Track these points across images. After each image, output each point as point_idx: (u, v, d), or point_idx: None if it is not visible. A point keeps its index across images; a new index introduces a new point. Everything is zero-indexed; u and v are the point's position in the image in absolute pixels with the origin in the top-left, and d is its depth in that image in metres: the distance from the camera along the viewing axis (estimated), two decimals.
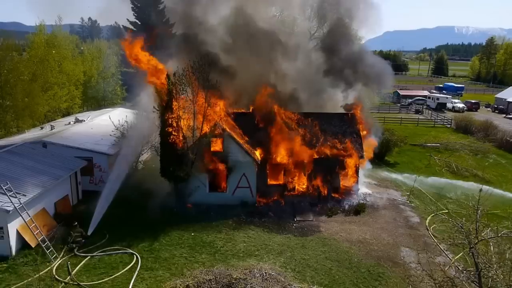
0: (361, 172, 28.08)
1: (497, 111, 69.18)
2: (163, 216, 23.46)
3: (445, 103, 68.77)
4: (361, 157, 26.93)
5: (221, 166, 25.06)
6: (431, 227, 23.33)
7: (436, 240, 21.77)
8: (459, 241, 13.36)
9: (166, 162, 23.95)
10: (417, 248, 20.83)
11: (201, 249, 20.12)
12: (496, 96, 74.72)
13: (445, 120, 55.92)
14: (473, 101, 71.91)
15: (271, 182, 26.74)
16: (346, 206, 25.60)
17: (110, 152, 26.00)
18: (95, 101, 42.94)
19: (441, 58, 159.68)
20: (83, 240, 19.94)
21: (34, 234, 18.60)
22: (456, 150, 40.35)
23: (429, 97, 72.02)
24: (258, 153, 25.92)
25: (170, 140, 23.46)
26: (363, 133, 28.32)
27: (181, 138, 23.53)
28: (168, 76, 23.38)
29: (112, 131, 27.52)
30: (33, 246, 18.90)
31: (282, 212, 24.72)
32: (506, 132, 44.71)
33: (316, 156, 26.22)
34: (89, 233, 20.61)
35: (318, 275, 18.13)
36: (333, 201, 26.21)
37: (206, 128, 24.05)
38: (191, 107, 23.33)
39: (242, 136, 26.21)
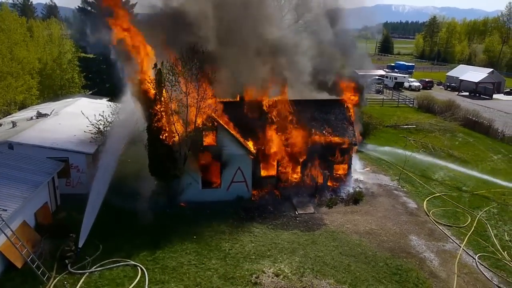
0: (353, 159, 27.71)
1: (449, 89, 72.39)
2: (156, 219, 21.62)
3: (403, 82, 70.80)
4: (354, 144, 26.51)
5: (215, 161, 23.53)
6: (431, 212, 23.53)
7: (441, 227, 21.94)
8: None
9: (157, 160, 21.97)
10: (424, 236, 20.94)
11: (209, 254, 18.69)
12: (447, 74, 78.06)
13: (407, 100, 57.40)
14: (427, 79, 74.73)
15: (264, 174, 25.67)
16: (343, 195, 25.20)
17: (90, 151, 23.40)
18: (52, 90, 38.79)
19: (387, 37, 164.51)
20: (75, 254, 17.70)
21: (21, 253, 16.15)
22: (427, 130, 41.46)
23: (386, 77, 73.70)
24: (251, 145, 24.58)
25: (161, 136, 21.51)
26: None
27: (174, 133, 21.65)
28: (155, 65, 21.25)
29: (87, 126, 24.81)
30: (19, 267, 16.45)
31: (280, 205, 23.77)
32: (469, 110, 46.65)
33: (310, 145, 25.40)
34: (80, 245, 18.34)
35: (339, 273, 17.49)
36: (329, 190, 25.68)
37: (199, 122, 22.24)
38: (184, 99, 21.33)
39: (233, 127, 24.69)
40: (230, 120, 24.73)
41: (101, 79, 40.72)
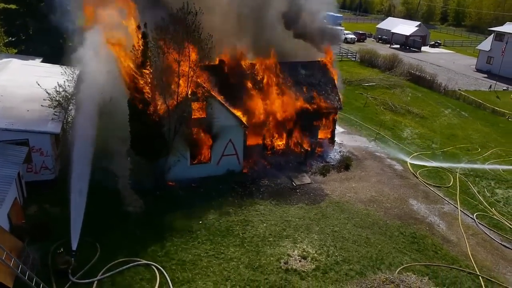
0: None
1: (381, 42, 74.82)
2: (148, 203, 19.32)
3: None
4: (339, 108, 25.85)
5: (205, 134, 21.33)
6: (418, 173, 24.22)
7: (432, 189, 22.72)
8: None
9: (143, 136, 19.17)
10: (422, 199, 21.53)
11: (223, 241, 17.15)
12: (377, 26, 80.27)
13: (349, 54, 57.99)
14: (360, 32, 76.17)
15: (249, 143, 24.09)
16: (332, 161, 24.82)
17: (55, 130, 19.59)
18: None
19: None
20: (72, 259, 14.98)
21: (15, 270, 13.08)
22: (379, 86, 42.44)
23: None
24: (238, 113, 22.64)
25: (148, 111, 18.65)
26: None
27: (162, 106, 18.93)
28: (138, 27, 17.89)
29: (44, 100, 20.66)
30: (11, 287, 13.41)
31: (274, 177, 22.64)
32: (413, 65, 48.55)
33: (296, 110, 24.19)
34: (73, 247, 15.53)
35: (362, 248, 17.24)
36: (315, 156, 25.07)
37: (189, 92, 19.61)
38: (174, 67, 18.46)
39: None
40: (212, 86, 22.38)
41: (27, 35, 34.39)
